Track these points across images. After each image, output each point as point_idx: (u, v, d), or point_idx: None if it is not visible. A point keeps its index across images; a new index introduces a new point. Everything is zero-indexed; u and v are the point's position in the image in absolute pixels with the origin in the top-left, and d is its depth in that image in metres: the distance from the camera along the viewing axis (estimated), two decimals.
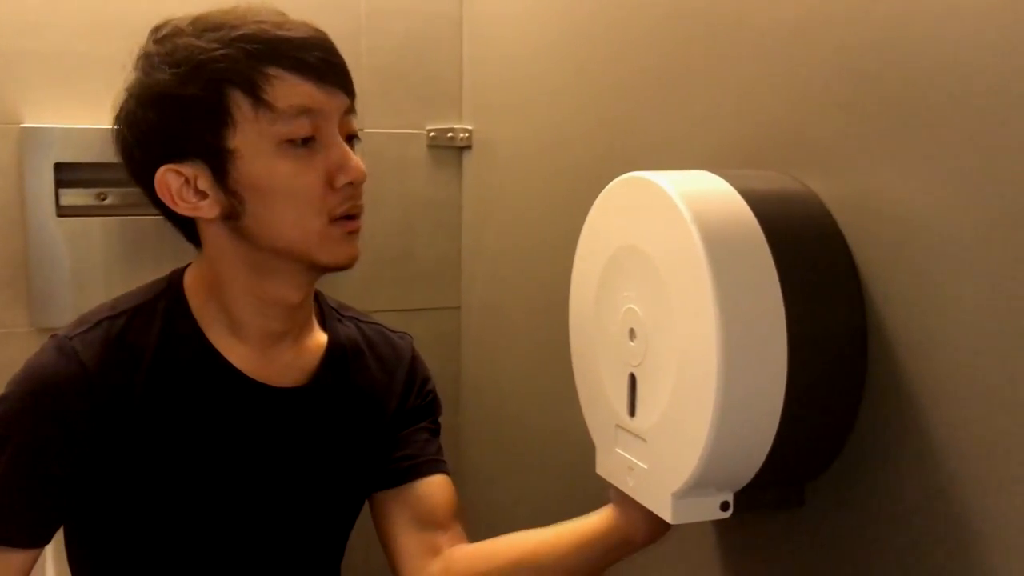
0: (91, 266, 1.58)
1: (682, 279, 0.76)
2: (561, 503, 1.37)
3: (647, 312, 0.81)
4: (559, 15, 1.36)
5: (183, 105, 0.88)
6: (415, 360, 1.11)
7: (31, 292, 1.58)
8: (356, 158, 0.90)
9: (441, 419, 1.14)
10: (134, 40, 1.59)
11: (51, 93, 1.58)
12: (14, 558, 0.88)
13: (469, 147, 1.78)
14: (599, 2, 1.23)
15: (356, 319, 1.10)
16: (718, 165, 0.88)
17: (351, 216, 0.92)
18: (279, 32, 0.89)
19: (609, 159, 1.20)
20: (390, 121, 1.79)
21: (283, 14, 0.94)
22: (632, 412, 0.84)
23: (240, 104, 0.87)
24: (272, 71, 0.87)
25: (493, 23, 1.65)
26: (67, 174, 1.56)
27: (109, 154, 1.57)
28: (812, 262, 0.78)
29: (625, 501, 0.91)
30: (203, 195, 0.90)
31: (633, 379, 0.84)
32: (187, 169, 0.89)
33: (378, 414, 1.06)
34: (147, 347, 0.92)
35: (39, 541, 0.91)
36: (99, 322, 0.94)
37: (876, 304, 0.77)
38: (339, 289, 1.84)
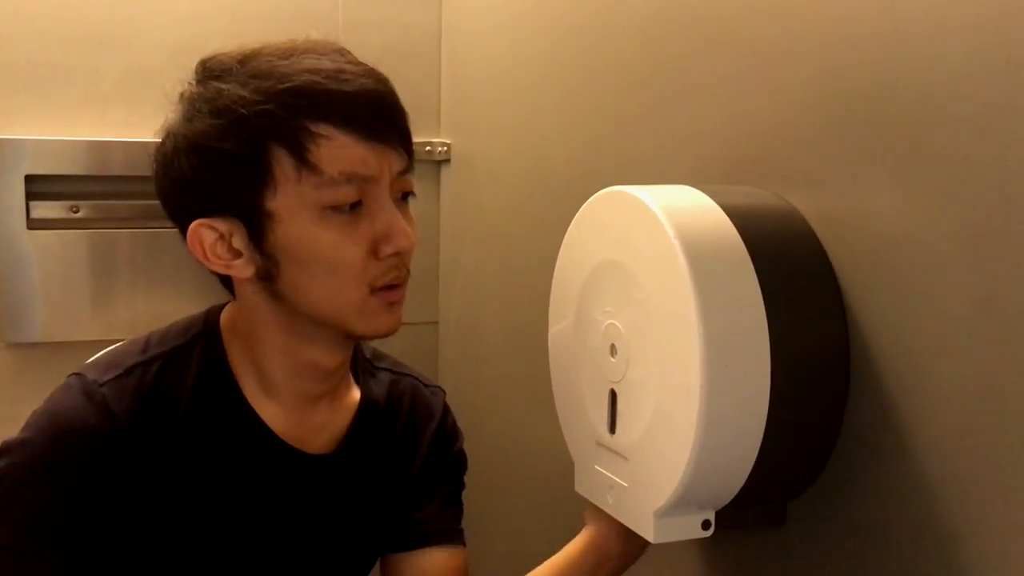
0: (62, 280, 1.55)
1: (664, 294, 0.76)
2: (539, 520, 1.36)
3: (628, 328, 0.80)
4: (539, 28, 1.36)
5: (222, 159, 0.81)
6: (446, 418, 1.05)
7: (2, 306, 1.55)
8: (405, 225, 0.83)
9: (466, 478, 1.07)
10: (106, 51, 1.58)
11: (23, 104, 1.55)
12: None
13: (447, 161, 1.77)
14: (581, 17, 1.22)
15: (390, 370, 1.03)
16: (700, 181, 0.87)
17: (394, 286, 0.85)
18: (331, 85, 0.80)
19: (589, 174, 1.20)
20: None
21: (344, 54, 0.86)
22: (612, 429, 0.83)
23: (283, 164, 0.80)
24: (320, 129, 0.79)
25: (472, 37, 1.65)
26: (38, 186, 1.53)
27: (81, 166, 1.57)
28: (795, 278, 0.78)
29: (598, 515, 0.90)
30: (237, 254, 0.83)
31: (613, 395, 0.83)
32: (222, 225, 0.82)
33: (403, 474, 1.00)
34: (181, 399, 0.86)
35: None
36: (132, 368, 0.86)
37: (858, 320, 0.77)
38: None
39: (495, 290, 1.56)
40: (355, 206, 0.81)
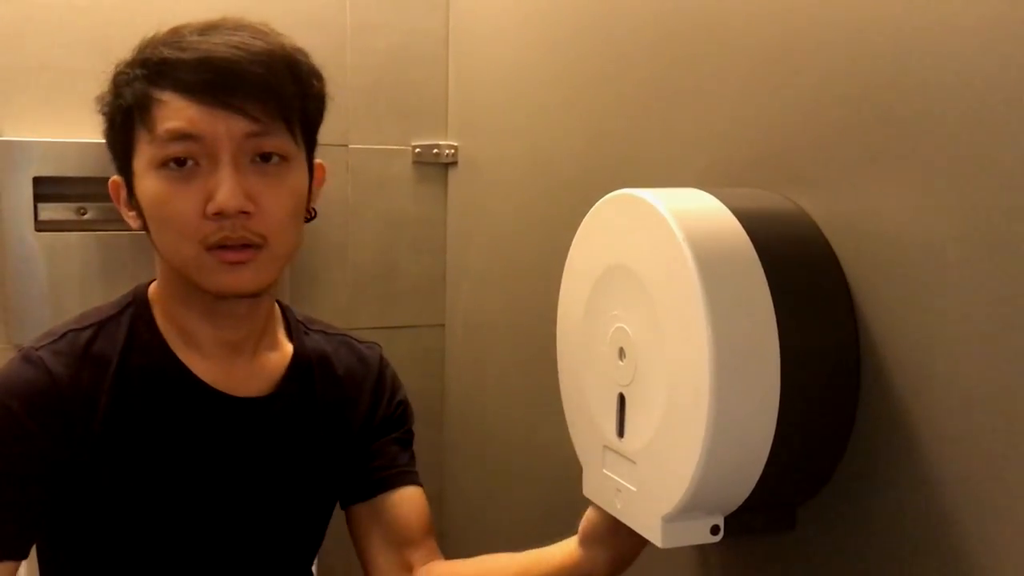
0: (69, 281, 1.56)
1: (673, 298, 0.75)
2: (545, 522, 1.35)
3: (637, 331, 0.80)
4: (546, 31, 1.35)
5: (110, 123, 0.92)
6: (383, 370, 1.10)
7: (7, 307, 1.55)
8: (232, 185, 0.85)
9: (416, 429, 1.12)
10: (114, 54, 1.58)
11: (31, 106, 1.56)
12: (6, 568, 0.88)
13: (455, 163, 1.77)
14: (587, 20, 1.22)
15: (323, 331, 1.09)
16: (708, 183, 0.87)
17: (228, 246, 0.87)
18: (173, 55, 0.87)
19: (597, 177, 1.19)
20: (375, 137, 1.78)
21: (248, 30, 0.92)
22: (621, 433, 0.83)
23: (137, 127, 0.88)
24: (160, 95, 0.86)
25: (479, 39, 1.65)
26: (46, 188, 1.54)
27: (89, 168, 1.57)
28: (804, 281, 0.77)
29: (590, 541, 0.92)
30: (129, 207, 0.93)
31: (622, 399, 0.82)
32: (120, 182, 0.94)
33: (344, 424, 1.05)
34: (112, 357, 0.93)
35: (15, 553, 0.89)
36: (64, 334, 0.94)
37: (868, 322, 0.77)
38: (321, 305, 1.82)
39: (502, 293, 1.56)
40: (182, 163, 0.86)
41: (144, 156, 0.88)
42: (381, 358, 1.11)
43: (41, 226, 1.53)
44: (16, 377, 0.90)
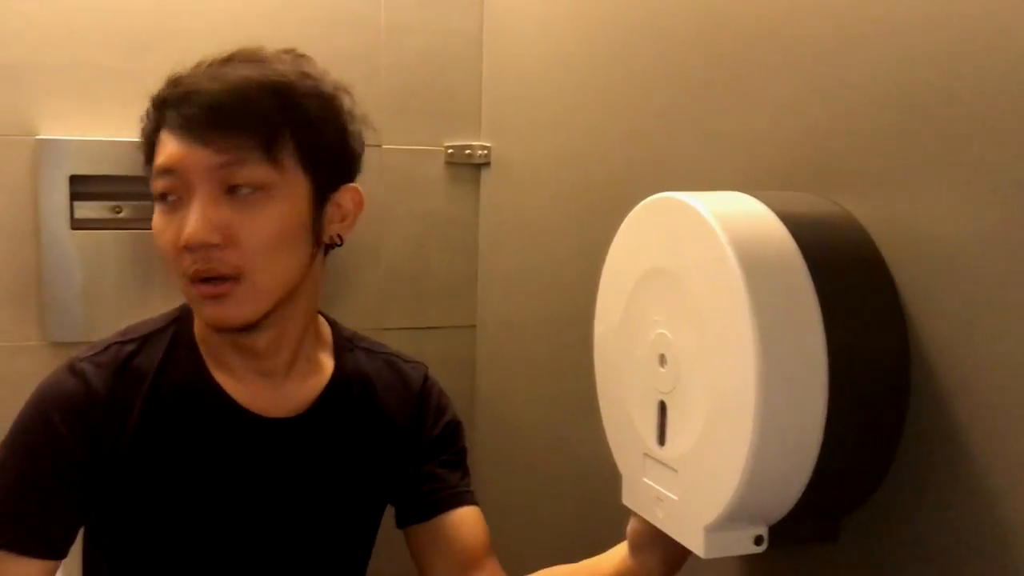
0: (104, 280, 1.56)
1: (718, 304, 0.74)
2: (581, 529, 1.34)
3: (679, 337, 0.79)
4: (581, 30, 1.34)
5: (143, 156, 0.95)
6: (427, 390, 1.08)
7: (43, 305, 1.56)
8: (195, 218, 0.85)
9: (465, 445, 1.11)
10: (148, 53, 1.59)
11: (67, 105, 1.56)
12: (31, 567, 0.90)
13: (487, 164, 1.76)
14: (623, 18, 1.21)
15: (369, 349, 1.08)
16: (750, 186, 0.85)
17: (204, 279, 0.87)
18: (171, 92, 0.89)
19: (633, 179, 1.18)
20: (408, 138, 1.77)
21: (244, 61, 0.91)
22: (661, 441, 0.81)
23: (148, 162, 0.93)
24: (160, 133, 0.90)
25: (513, 39, 1.63)
26: (82, 186, 1.54)
27: (124, 167, 1.57)
28: (853, 288, 0.76)
29: (639, 548, 0.90)
30: None
31: (663, 406, 0.81)
32: None
33: (382, 446, 1.04)
34: (149, 372, 0.95)
35: (53, 552, 0.92)
36: (109, 346, 0.97)
37: (919, 331, 0.75)
38: (353, 306, 1.82)
39: (535, 295, 1.55)
40: (165, 196, 0.88)
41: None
42: (425, 379, 1.09)
43: (77, 224, 1.54)
44: (58, 387, 0.93)
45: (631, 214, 0.86)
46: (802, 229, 0.76)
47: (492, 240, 1.76)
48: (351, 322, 1.74)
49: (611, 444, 0.91)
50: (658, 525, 0.83)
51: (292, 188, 0.88)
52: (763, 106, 0.92)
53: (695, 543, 0.77)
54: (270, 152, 0.86)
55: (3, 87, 1.53)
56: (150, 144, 0.91)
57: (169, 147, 0.87)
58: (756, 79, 0.93)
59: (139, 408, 0.93)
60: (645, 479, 0.84)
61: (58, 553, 0.92)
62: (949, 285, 0.72)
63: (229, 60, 0.91)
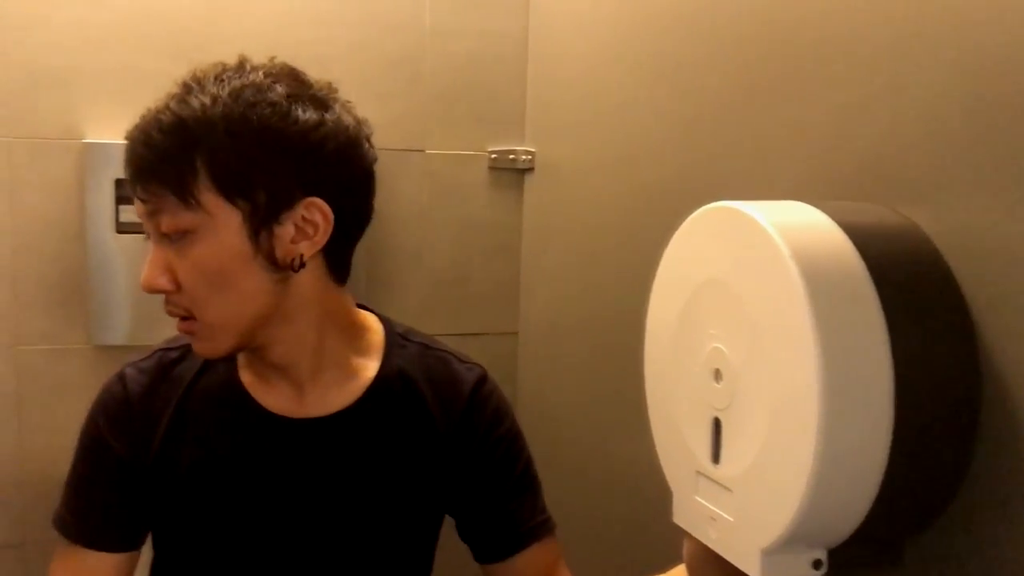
0: None
1: (777, 318, 0.71)
2: (629, 545, 1.31)
3: (735, 352, 0.76)
4: (628, 32, 1.32)
5: None
6: (481, 395, 1.04)
7: (89, 309, 1.57)
8: (145, 270, 0.88)
9: (529, 455, 1.07)
10: (193, 56, 1.59)
11: (113, 109, 1.57)
12: (103, 560, 0.96)
13: (531, 169, 1.74)
14: (673, 17, 1.18)
15: (424, 344, 1.05)
16: (809, 195, 0.82)
17: (179, 318, 0.90)
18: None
19: (684, 186, 1.15)
20: (451, 142, 1.76)
21: (192, 88, 0.88)
22: (716, 459, 0.78)
23: None
24: None
25: (559, 42, 1.61)
26: (128, 190, 1.54)
27: None
28: (919, 301, 0.73)
29: (696, 568, 0.87)
30: None
31: (717, 423, 0.78)
32: None
33: (426, 445, 1.01)
34: (187, 377, 0.97)
35: (120, 545, 0.97)
36: (155, 352, 1.00)
37: (988, 345, 0.71)
38: (394, 312, 1.79)
39: (579, 302, 1.52)
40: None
41: None
42: (480, 381, 1.04)
43: (122, 228, 1.54)
44: (106, 392, 0.99)
45: (685, 223, 0.83)
46: (865, 240, 0.73)
47: (535, 246, 1.74)
48: None
49: (662, 460, 0.88)
50: (711, 546, 0.80)
51: (218, 223, 0.85)
52: (823, 110, 0.89)
53: (751, 566, 0.74)
54: (183, 195, 0.85)
55: (50, 92, 1.54)
56: None
57: None
58: (816, 81, 0.90)
59: (171, 412, 0.96)
60: (698, 497, 0.81)
61: (126, 546, 0.97)
62: (1020, 297, 0.69)
63: (184, 87, 0.89)
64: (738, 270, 0.76)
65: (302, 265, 0.89)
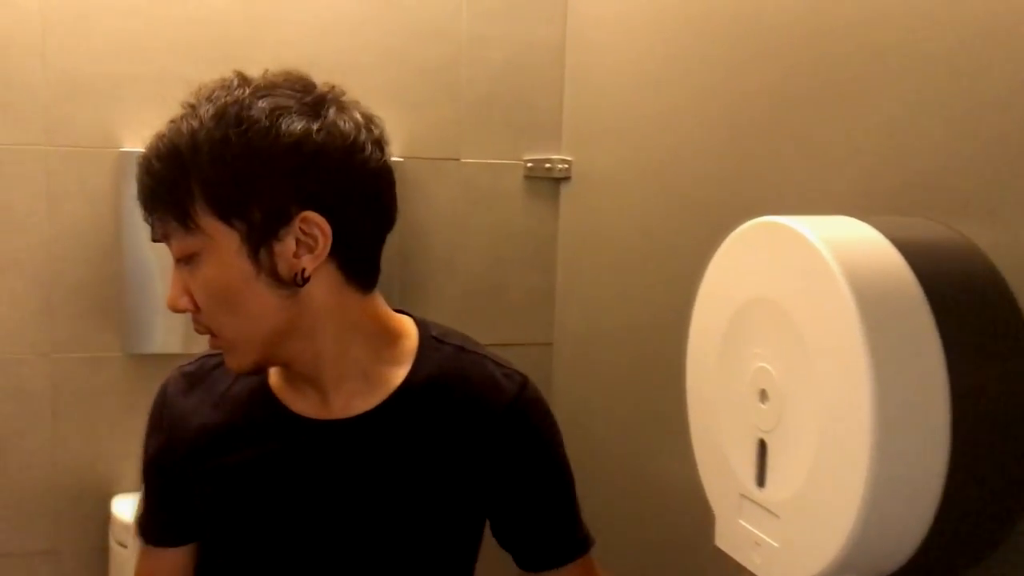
0: None
1: (827, 338, 0.68)
2: (668, 567, 1.28)
3: (782, 372, 0.73)
4: (669, 40, 1.29)
5: None
6: (521, 404, 0.98)
7: (123, 317, 1.57)
8: (170, 289, 0.89)
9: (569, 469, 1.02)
10: (230, 65, 1.59)
11: (150, 117, 1.55)
12: (160, 557, 1.00)
13: (568, 178, 1.72)
14: (716, 25, 1.16)
15: (460, 347, 1.01)
16: (858, 210, 0.80)
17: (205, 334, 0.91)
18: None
19: (726, 199, 1.12)
20: (487, 151, 1.74)
21: (196, 109, 0.87)
22: (761, 482, 0.76)
23: None
24: None
25: (597, 50, 1.59)
26: None
27: None
28: (975, 320, 0.70)
29: None
30: None
31: (763, 445, 0.76)
32: None
33: (456, 449, 0.97)
34: (223, 383, 0.98)
35: (174, 540, 1.00)
36: (201, 357, 1.01)
37: None
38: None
39: (615, 314, 1.50)
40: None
41: None
42: (523, 388, 0.99)
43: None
44: (155, 395, 1.01)
45: (730, 238, 0.81)
46: (920, 258, 0.71)
47: (571, 256, 1.72)
48: None
49: (704, 481, 0.85)
50: (756, 572, 0.78)
51: (219, 246, 0.86)
52: (874, 120, 0.86)
53: None
54: (183, 221, 0.86)
55: (87, 100, 1.55)
56: None
57: None
58: (867, 89, 0.87)
59: (204, 415, 0.97)
60: (741, 521, 0.79)
61: (178, 541, 1.00)
62: None
63: (183, 109, 0.89)
64: (785, 288, 0.73)
65: (306, 279, 0.88)
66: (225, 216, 0.85)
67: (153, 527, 1.01)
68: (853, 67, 0.89)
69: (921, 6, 0.81)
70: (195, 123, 0.85)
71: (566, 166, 1.72)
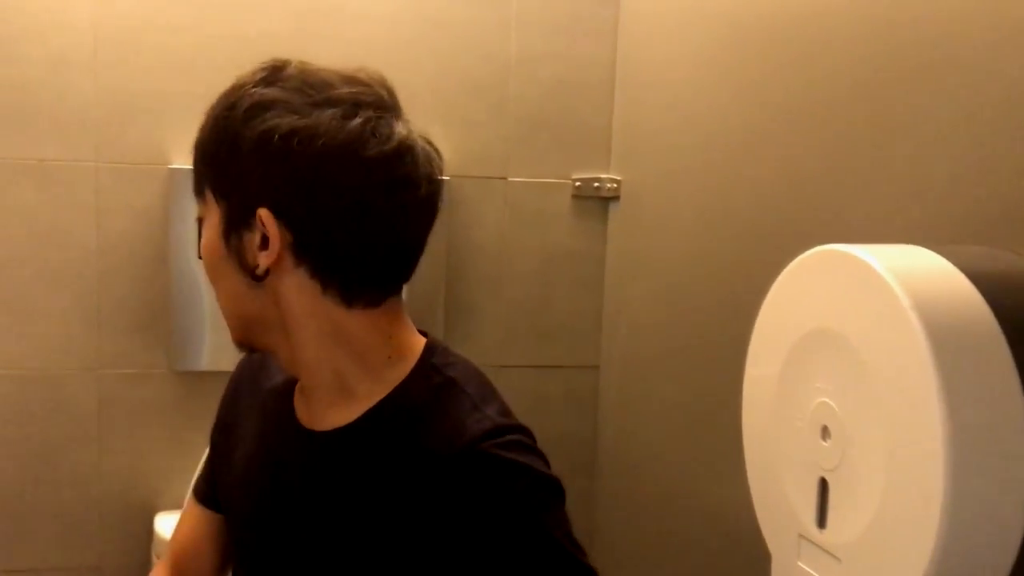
0: None
1: (896, 373, 0.65)
2: None
3: (846, 408, 0.70)
4: (725, 59, 1.26)
5: None
6: (470, 451, 0.79)
7: (171, 334, 1.57)
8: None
9: (564, 474, 0.80)
10: None
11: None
12: (195, 509, 1.05)
13: (616, 198, 1.69)
14: (774, 42, 1.12)
15: (453, 380, 0.88)
16: (927, 239, 0.76)
17: None
18: None
19: (784, 225, 1.09)
20: (534, 169, 1.72)
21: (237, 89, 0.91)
22: (822, 523, 0.72)
23: None
24: None
25: (649, 68, 1.57)
26: None
27: None
28: None
29: None
30: None
31: (824, 484, 0.72)
32: None
33: (397, 489, 0.84)
34: (269, 376, 1.00)
35: (214, 505, 1.04)
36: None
37: None
38: (472, 341, 1.77)
39: (666, 339, 1.47)
40: None
41: None
42: (485, 436, 0.80)
43: None
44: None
45: (790, 267, 0.78)
46: (994, 289, 0.67)
47: (619, 278, 1.69)
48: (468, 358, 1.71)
49: (760, 519, 0.82)
50: None
51: (211, 216, 0.89)
52: (943, 148, 0.82)
53: None
54: (198, 184, 0.90)
55: (137, 117, 1.56)
56: None
57: None
58: (935, 112, 0.83)
59: (246, 401, 1.02)
60: (800, 563, 0.75)
61: (215, 506, 1.03)
62: None
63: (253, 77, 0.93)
64: (850, 319, 0.70)
65: (262, 276, 0.86)
66: (215, 191, 0.88)
67: (200, 484, 1.07)
68: (921, 89, 0.86)
69: (992, 31, 0.77)
70: (214, 104, 0.91)
71: (615, 185, 1.69)
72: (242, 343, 0.93)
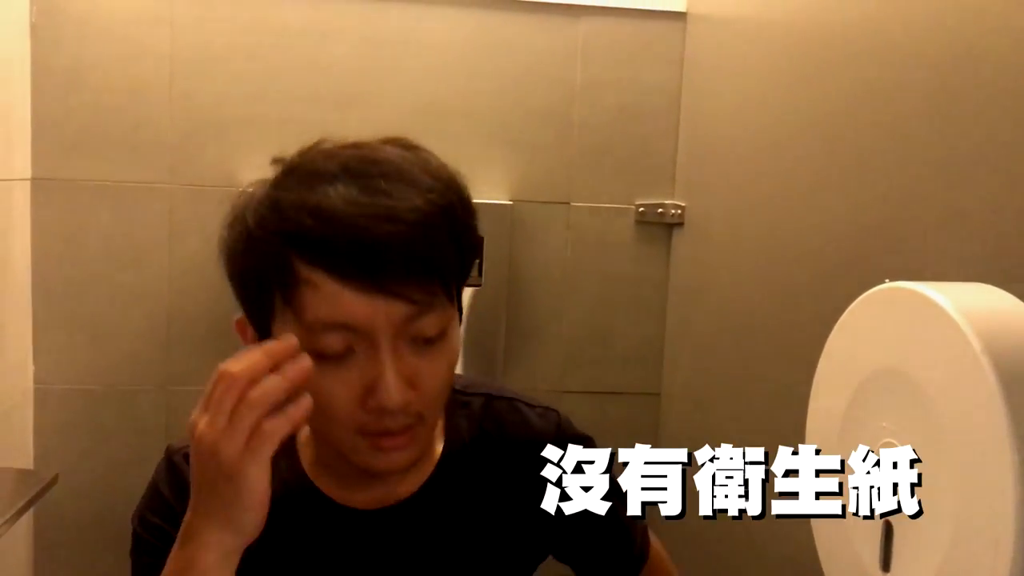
0: None
1: (964, 415, 0.63)
2: None
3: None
4: (793, 86, 1.25)
5: (240, 281, 0.81)
6: (561, 438, 0.87)
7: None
8: (392, 380, 0.76)
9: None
10: (350, 109, 1.62)
11: (268, 159, 1.61)
12: None
13: (680, 224, 1.68)
14: (842, 70, 1.11)
15: (487, 394, 0.95)
16: (999, 277, 0.74)
17: (388, 433, 0.79)
18: (320, 228, 0.74)
19: (851, 258, 1.07)
20: (598, 195, 1.72)
21: (384, 175, 0.77)
22: (886, 567, 0.71)
23: (278, 300, 0.78)
24: (309, 274, 0.74)
25: (714, 94, 1.56)
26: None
27: None
28: None
29: None
30: None
31: (889, 527, 0.70)
32: (251, 329, 0.83)
33: (509, 506, 0.91)
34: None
35: None
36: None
37: None
38: (532, 367, 1.78)
39: (728, 367, 1.45)
40: (344, 354, 0.76)
41: (288, 330, 0.77)
42: (558, 426, 0.94)
43: None
44: (162, 471, 1.04)
45: (857, 302, 0.76)
46: None
47: (682, 305, 1.68)
48: (528, 384, 1.71)
49: (823, 561, 0.80)
50: None
51: (456, 320, 0.81)
52: (1017, 182, 0.80)
53: None
54: (450, 293, 0.79)
55: (210, 141, 1.60)
56: (284, 282, 0.76)
57: (340, 298, 0.74)
58: (1008, 144, 0.81)
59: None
60: None
61: None
62: None
63: (366, 172, 0.77)
64: (917, 360, 0.68)
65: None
66: (462, 287, 0.83)
67: None
68: (995, 118, 0.84)
69: None
70: (431, 183, 0.79)
71: (679, 211, 1.68)
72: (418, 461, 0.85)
